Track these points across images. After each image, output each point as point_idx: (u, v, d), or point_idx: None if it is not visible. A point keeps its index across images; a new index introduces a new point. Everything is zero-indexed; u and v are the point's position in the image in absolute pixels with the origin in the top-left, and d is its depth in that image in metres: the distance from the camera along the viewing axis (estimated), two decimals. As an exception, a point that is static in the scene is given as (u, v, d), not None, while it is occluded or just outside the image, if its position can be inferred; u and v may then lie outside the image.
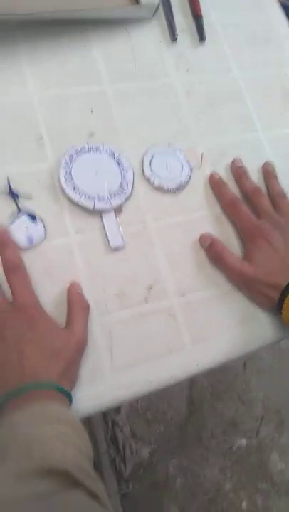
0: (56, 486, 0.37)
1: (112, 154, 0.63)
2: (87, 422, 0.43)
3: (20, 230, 0.56)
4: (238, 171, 0.68)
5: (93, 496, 0.38)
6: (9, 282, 0.53)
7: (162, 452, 1.54)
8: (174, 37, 0.73)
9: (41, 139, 0.62)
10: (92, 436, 0.44)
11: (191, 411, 1.62)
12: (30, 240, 0.56)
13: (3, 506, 0.33)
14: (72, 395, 0.50)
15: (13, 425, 0.42)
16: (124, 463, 1.47)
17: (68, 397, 0.49)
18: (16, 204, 0.57)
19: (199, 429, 1.60)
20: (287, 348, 1.78)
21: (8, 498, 0.34)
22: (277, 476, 1.55)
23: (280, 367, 1.75)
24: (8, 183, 0.58)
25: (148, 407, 1.60)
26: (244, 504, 1.50)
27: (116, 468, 1.46)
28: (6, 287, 0.53)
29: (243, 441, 1.60)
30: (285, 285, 0.56)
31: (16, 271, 0.53)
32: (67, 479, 0.38)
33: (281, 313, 0.57)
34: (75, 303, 0.54)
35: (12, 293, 0.52)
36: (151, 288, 0.59)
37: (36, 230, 0.57)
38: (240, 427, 1.62)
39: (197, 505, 1.47)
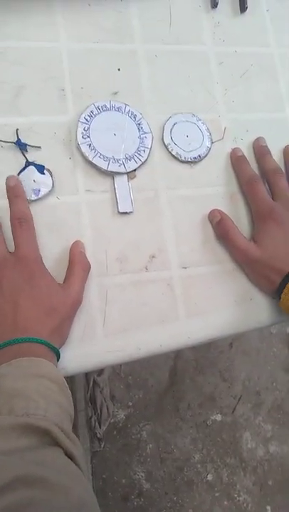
0: (35, 443, 0.37)
1: (133, 116, 0.61)
2: (69, 379, 0.44)
3: (27, 182, 0.55)
4: (260, 150, 0.66)
5: (70, 456, 0.39)
6: (15, 234, 0.52)
7: (138, 417, 1.57)
8: (214, 4, 0.71)
9: (63, 90, 0.60)
10: (72, 393, 0.44)
11: (172, 381, 1.65)
12: (36, 192, 0.55)
13: None
14: (61, 352, 0.50)
15: None
16: (100, 423, 1.50)
17: (57, 354, 0.49)
18: (24, 155, 0.56)
19: (177, 400, 1.62)
20: (277, 333, 1.79)
21: None
22: (247, 454, 1.59)
23: (266, 351, 1.77)
24: (17, 133, 0.56)
25: (130, 372, 1.62)
26: (210, 476, 1.53)
27: (91, 426, 1.49)
28: (9, 237, 0.53)
29: (219, 417, 1.63)
30: (288, 271, 0.56)
31: (23, 223, 0.52)
32: (47, 438, 0.38)
33: (280, 298, 0.57)
34: (77, 262, 0.54)
35: (16, 244, 0.52)
36: (153, 257, 0.58)
37: (44, 182, 0.56)
38: (217, 402, 1.65)
39: (164, 471, 1.51)
